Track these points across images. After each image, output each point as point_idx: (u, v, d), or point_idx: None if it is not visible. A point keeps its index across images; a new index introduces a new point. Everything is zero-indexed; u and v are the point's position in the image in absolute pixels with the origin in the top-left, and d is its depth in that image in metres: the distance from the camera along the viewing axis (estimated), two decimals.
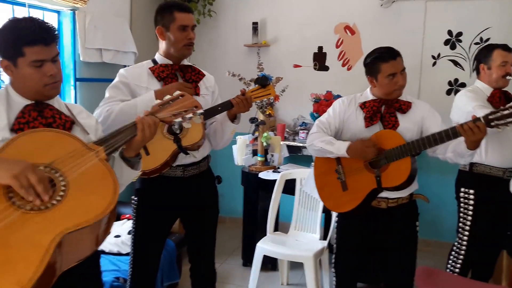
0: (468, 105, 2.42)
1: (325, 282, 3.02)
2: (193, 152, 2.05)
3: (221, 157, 3.77)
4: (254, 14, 4.30)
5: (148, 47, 3.80)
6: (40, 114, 1.42)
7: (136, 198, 2.17)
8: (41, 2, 3.00)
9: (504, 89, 2.55)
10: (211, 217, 2.28)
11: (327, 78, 4.17)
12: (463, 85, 3.81)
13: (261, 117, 3.54)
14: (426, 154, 2.12)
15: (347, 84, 4.00)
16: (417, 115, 2.13)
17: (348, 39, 4.12)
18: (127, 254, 2.76)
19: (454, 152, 2.03)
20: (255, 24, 4.25)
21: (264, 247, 2.90)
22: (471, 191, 2.56)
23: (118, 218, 3.19)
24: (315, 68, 4.22)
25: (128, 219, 3.11)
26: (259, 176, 3.41)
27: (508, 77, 2.50)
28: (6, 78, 2.82)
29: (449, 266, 2.65)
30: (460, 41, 3.83)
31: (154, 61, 2.11)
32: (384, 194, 2.09)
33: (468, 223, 2.56)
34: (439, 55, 3.90)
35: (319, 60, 4.21)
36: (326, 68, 4.20)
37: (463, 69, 3.85)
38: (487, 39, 3.70)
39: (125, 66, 3.56)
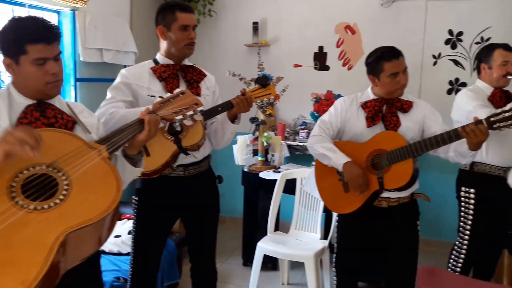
0: (469, 104, 2.42)
1: (326, 282, 3.02)
2: (193, 152, 2.05)
3: (222, 156, 3.77)
4: (255, 13, 4.29)
5: (149, 47, 3.80)
6: (42, 114, 1.42)
7: (136, 198, 2.17)
8: (41, 2, 3.00)
9: (504, 88, 2.56)
10: (211, 217, 2.28)
11: (327, 77, 4.17)
12: (463, 84, 3.81)
13: (261, 116, 3.54)
14: (427, 153, 2.11)
15: (348, 83, 4.00)
16: (419, 114, 2.13)
17: (349, 38, 4.12)
18: (127, 254, 2.76)
19: (456, 152, 2.03)
20: (255, 24, 4.25)
21: (264, 247, 2.90)
22: (472, 190, 2.56)
23: (119, 218, 3.19)
24: (315, 68, 4.22)
25: (129, 219, 3.11)
26: (260, 175, 3.41)
27: (508, 77, 2.50)
28: (6, 79, 2.83)
29: (450, 265, 2.65)
30: (460, 40, 3.83)
31: (155, 61, 2.11)
32: (385, 193, 2.09)
33: (469, 222, 2.56)
34: (439, 54, 3.90)
35: (320, 59, 4.21)
36: (326, 68, 4.20)
37: (463, 69, 3.86)
38: (488, 39, 3.70)
39: (125, 66, 3.56)
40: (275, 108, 4.01)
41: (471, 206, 2.56)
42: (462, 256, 2.59)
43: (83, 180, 1.28)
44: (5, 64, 1.40)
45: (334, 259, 2.29)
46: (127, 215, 3.15)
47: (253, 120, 3.42)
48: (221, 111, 2.05)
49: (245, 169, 3.60)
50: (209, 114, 2.02)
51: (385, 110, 2.12)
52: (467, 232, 2.57)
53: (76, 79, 3.29)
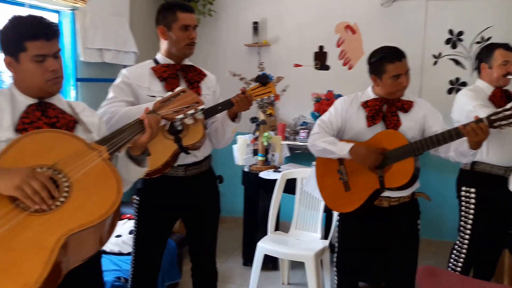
0: (469, 104, 2.42)
1: (326, 282, 3.02)
2: (194, 151, 2.05)
3: (222, 156, 3.77)
4: (255, 13, 4.29)
5: (149, 46, 3.80)
6: (43, 114, 1.42)
7: (138, 198, 2.17)
8: (41, 2, 3.00)
9: (505, 88, 2.55)
10: (212, 217, 2.28)
11: (328, 77, 4.16)
12: (464, 84, 3.81)
13: (261, 116, 3.53)
14: (427, 152, 2.11)
15: (348, 83, 4.00)
16: (419, 113, 2.13)
17: (349, 38, 4.12)
18: (128, 254, 2.76)
19: (456, 151, 2.03)
20: (255, 24, 4.25)
21: (265, 247, 2.90)
22: (472, 190, 2.56)
23: (119, 218, 3.19)
24: (316, 68, 4.22)
25: (129, 219, 3.11)
26: (260, 175, 3.41)
27: (509, 76, 2.50)
28: (6, 79, 2.83)
29: (450, 265, 2.65)
30: (461, 40, 3.83)
31: (156, 61, 2.11)
32: (386, 193, 2.09)
33: (470, 222, 2.56)
34: (440, 54, 3.89)
35: (320, 59, 4.21)
36: (327, 68, 4.20)
37: (464, 68, 3.85)
38: (488, 38, 3.70)
39: (125, 66, 3.55)
40: (275, 108, 4.00)
41: (472, 206, 2.56)
42: (463, 255, 2.59)
43: (84, 181, 1.28)
44: (6, 62, 1.42)
45: (335, 259, 2.29)
46: (128, 215, 3.15)
47: (254, 120, 3.42)
48: (221, 109, 2.05)
49: (245, 169, 3.60)
50: (209, 113, 2.02)
51: (386, 109, 2.12)
52: (468, 232, 2.57)
53: (76, 79, 3.29)
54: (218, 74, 2.40)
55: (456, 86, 3.87)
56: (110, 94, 2.01)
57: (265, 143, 3.55)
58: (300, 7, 4.20)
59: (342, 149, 2.08)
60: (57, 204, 1.23)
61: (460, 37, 3.83)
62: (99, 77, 3.48)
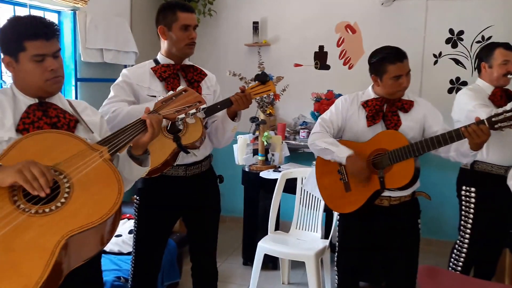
0: (469, 104, 2.42)
1: (327, 282, 3.02)
2: (193, 150, 2.05)
3: (222, 156, 3.77)
4: (255, 13, 4.29)
5: (149, 46, 3.80)
6: (44, 114, 1.42)
7: (138, 198, 2.17)
8: (42, 3, 3.00)
9: (505, 87, 2.55)
10: (212, 217, 2.28)
11: (328, 77, 4.16)
12: (464, 83, 3.80)
13: (261, 116, 3.53)
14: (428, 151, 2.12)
15: (348, 83, 4.00)
16: (419, 113, 2.13)
17: (349, 38, 4.12)
18: (128, 254, 2.77)
19: (457, 152, 2.03)
20: (255, 23, 4.24)
21: (265, 246, 2.90)
22: (473, 189, 2.56)
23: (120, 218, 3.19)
24: (316, 67, 4.22)
25: (129, 219, 3.11)
26: (260, 175, 3.41)
27: (509, 76, 2.50)
28: (7, 79, 2.83)
29: (451, 264, 2.65)
30: (461, 39, 3.83)
31: (156, 61, 2.11)
32: (386, 192, 2.09)
33: (470, 221, 2.56)
34: (440, 53, 3.89)
35: (320, 59, 4.20)
36: (327, 67, 4.20)
37: (464, 68, 3.85)
38: (489, 38, 3.70)
39: (126, 66, 3.56)
40: (275, 108, 4.00)
41: (472, 205, 2.56)
42: (463, 255, 2.59)
43: (85, 182, 1.28)
44: (5, 62, 1.42)
45: (335, 259, 2.29)
46: (128, 215, 3.15)
47: (253, 119, 3.42)
48: (220, 108, 2.05)
49: (246, 169, 3.60)
50: (209, 112, 2.02)
51: (386, 109, 2.12)
52: (468, 231, 2.57)
53: (77, 79, 3.29)
54: (218, 74, 2.40)
55: (456, 85, 3.87)
56: (111, 93, 2.02)
57: (265, 143, 3.55)
58: (300, 6, 4.20)
59: (341, 153, 2.08)
60: (58, 205, 1.23)
61: (461, 36, 3.83)
62: (99, 77, 3.48)
